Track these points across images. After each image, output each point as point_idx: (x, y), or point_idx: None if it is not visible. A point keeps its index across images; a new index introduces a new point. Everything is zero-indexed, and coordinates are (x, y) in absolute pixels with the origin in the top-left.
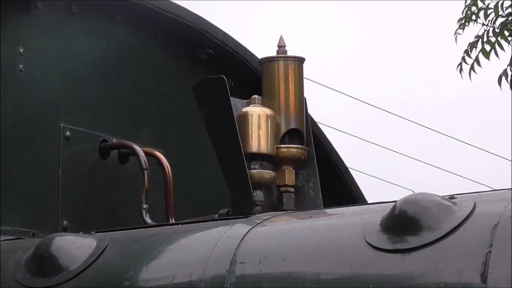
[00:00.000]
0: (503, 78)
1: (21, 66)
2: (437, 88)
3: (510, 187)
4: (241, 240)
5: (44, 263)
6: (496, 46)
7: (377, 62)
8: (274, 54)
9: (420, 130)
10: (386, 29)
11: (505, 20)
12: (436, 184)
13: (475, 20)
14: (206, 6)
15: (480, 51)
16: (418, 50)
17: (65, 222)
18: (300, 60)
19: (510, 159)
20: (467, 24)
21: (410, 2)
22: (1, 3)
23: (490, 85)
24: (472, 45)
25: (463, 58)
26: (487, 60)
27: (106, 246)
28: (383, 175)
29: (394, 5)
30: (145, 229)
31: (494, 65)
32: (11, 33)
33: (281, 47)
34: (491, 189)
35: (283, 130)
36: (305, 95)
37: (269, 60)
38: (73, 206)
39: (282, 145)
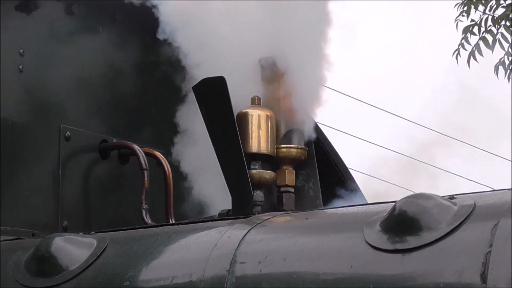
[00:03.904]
0: (500, 67)
1: (21, 66)
2: (437, 88)
3: (510, 187)
4: (241, 240)
5: (44, 263)
6: (500, 37)
7: (377, 63)
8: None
9: (420, 130)
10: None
11: (507, 9)
12: (436, 184)
13: (476, 8)
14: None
15: (480, 38)
16: (416, 43)
17: (65, 222)
18: None
19: (510, 159)
20: (469, 12)
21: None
22: (1, 3)
23: (491, 85)
24: (467, 29)
25: (462, 44)
26: (490, 51)
27: (106, 246)
28: (383, 175)
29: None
30: (145, 229)
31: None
32: (11, 33)
33: None
34: (491, 189)
35: (283, 130)
36: None
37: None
38: (73, 206)
39: (282, 145)
